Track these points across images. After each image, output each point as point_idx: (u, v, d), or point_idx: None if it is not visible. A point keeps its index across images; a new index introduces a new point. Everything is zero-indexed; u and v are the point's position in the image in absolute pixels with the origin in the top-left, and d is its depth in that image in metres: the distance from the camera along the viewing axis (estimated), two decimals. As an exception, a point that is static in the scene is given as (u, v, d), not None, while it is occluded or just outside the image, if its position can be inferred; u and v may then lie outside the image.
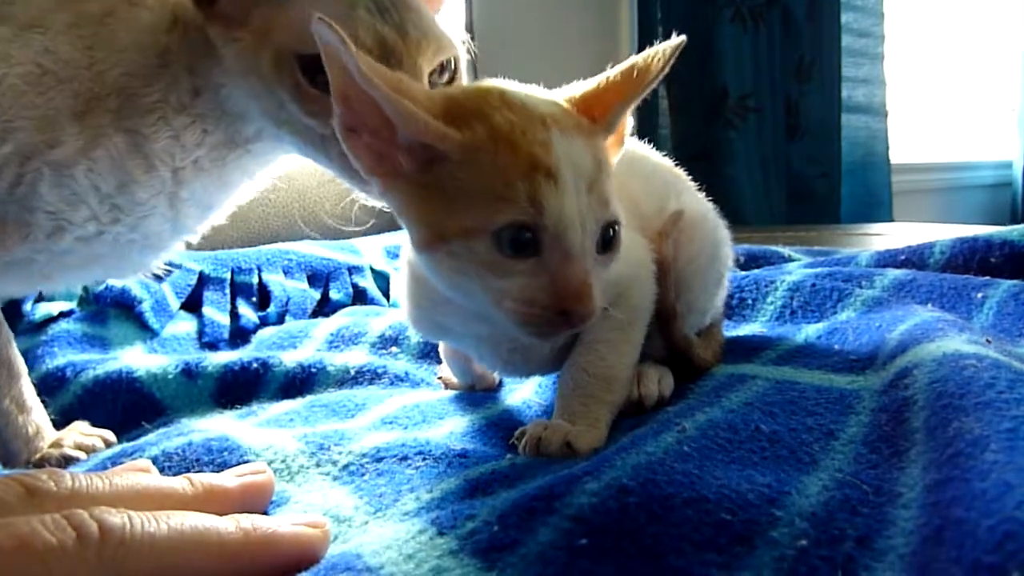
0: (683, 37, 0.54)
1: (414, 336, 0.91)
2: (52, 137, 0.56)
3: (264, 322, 1.09)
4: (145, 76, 0.58)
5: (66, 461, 0.64)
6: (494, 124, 0.49)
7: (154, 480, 0.46)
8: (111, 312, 1.00)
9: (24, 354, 0.86)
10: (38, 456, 0.65)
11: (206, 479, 0.47)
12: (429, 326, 0.65)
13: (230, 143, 0.63)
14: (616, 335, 0.61)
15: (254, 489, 0.49)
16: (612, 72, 0.55)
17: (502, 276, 0.50)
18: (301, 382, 0.82)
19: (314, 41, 0.48)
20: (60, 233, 0.59)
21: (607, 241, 0.52)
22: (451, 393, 0.75)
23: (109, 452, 0.63)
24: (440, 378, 0.80)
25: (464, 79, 0.64)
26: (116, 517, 0.37)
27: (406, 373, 0.83)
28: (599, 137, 0.53)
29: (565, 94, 0.55)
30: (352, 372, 0.82)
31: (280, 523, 0.43)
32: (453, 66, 0.62)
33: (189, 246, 0.71)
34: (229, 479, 0.49)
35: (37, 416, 0.67)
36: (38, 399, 0.69)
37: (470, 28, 2.05)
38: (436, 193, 0.50)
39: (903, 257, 1.05)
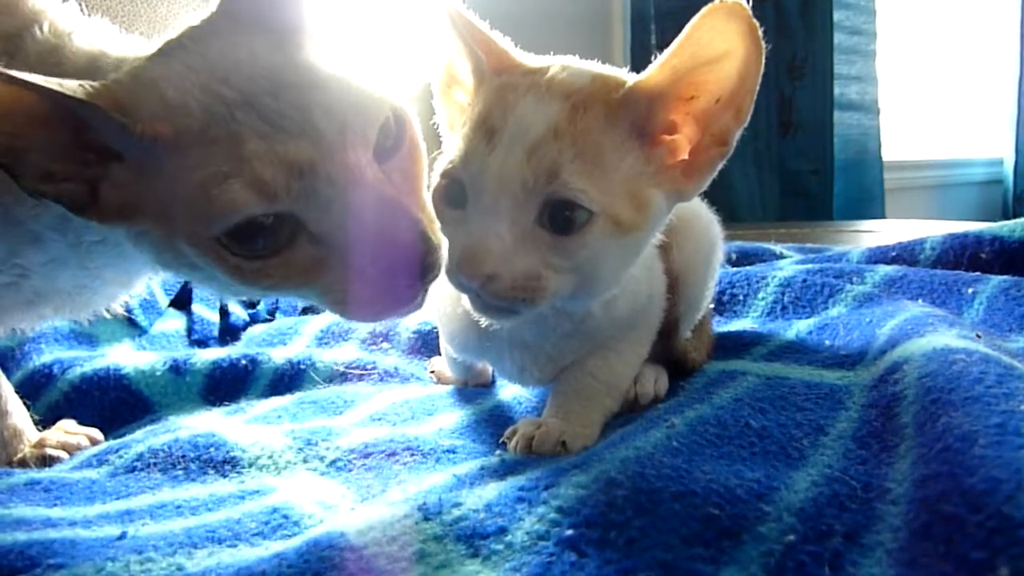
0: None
1: (404, 332, 0.90)
2: None
3: (254, 319, 1.09)
4: None
5: (49, 461, 0.64)
6: (503, 81, 0.51)
7: None
8: (99, 309, 0.99)
9: (11, 351, 0.86)
10: (18, 457, 0.65)
11: None
12: (469, 344, 0.63)
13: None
14: (627, 347, 0.61)
15: None
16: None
17: (445, 224, 0.51)
18: (290, 379, 0.81)
19: (224, 209, 0.44)
20: None
21: (559, 221, 0.47)
22: (442, 388, 0.75)
23: (95, 450, 0.63)
24: (432, 372, 0.80)
25: (417, 128, 0.54)
26: None
27: (396, 368, 0.83)
28: (616, 119, 0.49)
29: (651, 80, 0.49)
30: (341, 368, 0.82)
31: None
32: (394, 123, 0.51)
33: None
34: None
35: (16, 419, 0.66)
36: (18, 402, 0.68)
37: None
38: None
39: (894, 253, 1.05)
